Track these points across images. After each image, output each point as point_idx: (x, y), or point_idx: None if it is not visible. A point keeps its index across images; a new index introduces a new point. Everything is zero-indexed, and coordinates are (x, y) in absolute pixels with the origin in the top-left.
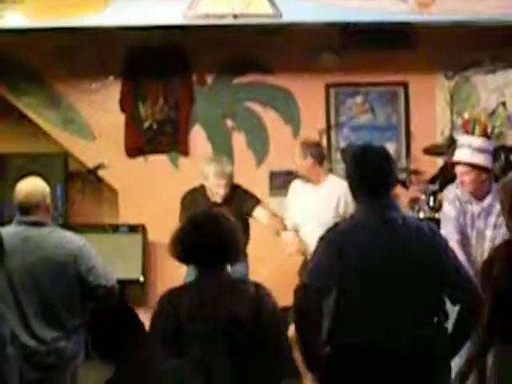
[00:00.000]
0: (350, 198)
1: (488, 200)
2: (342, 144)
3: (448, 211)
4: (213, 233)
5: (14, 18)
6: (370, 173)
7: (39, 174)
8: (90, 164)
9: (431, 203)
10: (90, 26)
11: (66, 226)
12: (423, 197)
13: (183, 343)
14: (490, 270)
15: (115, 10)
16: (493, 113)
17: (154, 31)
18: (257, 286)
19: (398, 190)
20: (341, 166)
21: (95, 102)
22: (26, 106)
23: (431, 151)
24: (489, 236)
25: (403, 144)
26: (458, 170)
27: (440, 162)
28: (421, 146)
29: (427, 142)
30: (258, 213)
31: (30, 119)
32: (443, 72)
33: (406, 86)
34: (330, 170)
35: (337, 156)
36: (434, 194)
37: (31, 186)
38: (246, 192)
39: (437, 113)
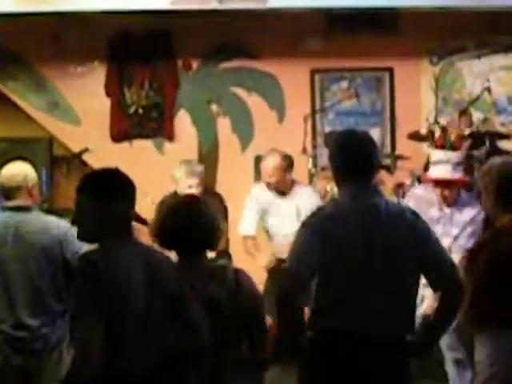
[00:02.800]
0: (314, 206)
1: (452, 209)
2: (327, 129)
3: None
4: (191, 218)
5: None
6: (354, 158)
7: (24, 159)
8: (75, 148)
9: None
10: (75, 10)
11: (51, 210)
12: (408, 182)
13: None
14: (477, 256)
15: None
16: (477, 98)
17: (140, 16)
18: (236, 271)
19: (383, 175)
20: (326, 152)
21: (80, 87)
22: (10, 90)
23: (415, 137)
24: (445, 244)
25: (388, 130)
26: (437, 185)
27: (425, 147)
28: (406, 131)
29: (412, 128)
30: None
31: (15, 103)
32: (428, 57)
33: (391, 71)
34: (314, 157)
35: (321, 141)
36: (419, 179)
37: (13, 170)
38: (222, 204)
39: (422, 98)
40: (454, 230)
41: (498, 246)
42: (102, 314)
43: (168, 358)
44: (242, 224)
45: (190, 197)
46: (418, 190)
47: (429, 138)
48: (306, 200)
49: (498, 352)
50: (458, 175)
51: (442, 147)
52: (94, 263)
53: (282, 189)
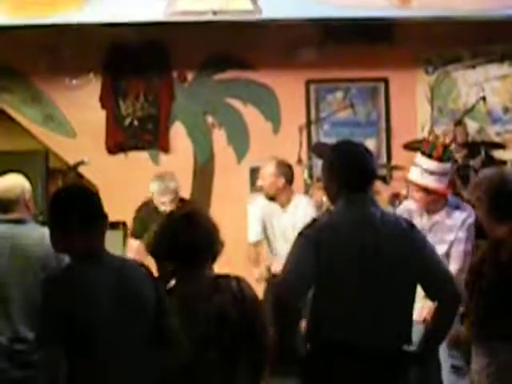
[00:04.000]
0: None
1: (441, 215)
2: (323, 140)
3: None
4: (189, 231)
5: None
6: (351, 168)
7: (19, 171)
8: (71, 161)
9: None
10: (70, 22)
11: (47, 223)
12: (403, 192)
13: None
14: (480, 269)
15: (95, 6)
16: (473, 108)
17: (135, 28)
18: (238, 279)
19: (379, 185)
20: (321, 162)
21: (76, 99)
22: (6, 102)
23: (411, 147)
24: (442, 251)
25: (383, 140)
26: (412, 187)
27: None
28: (401, 141)
29: (408, 138)
30: None
31: (10, 116)
32: (423, 67)
33: (386, 81)
34: (310, 168)
35: None
36: None
37: (10, 183)
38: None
39: (417, 108)
40: (448, 236)
41: (499, 258)
42: (65, 337)
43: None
44: (249, 231)
45: (188, 209)
46: (408, 203)
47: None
48: (302, 212)
49: (496, 364)
50: (425, 181)
51: (422, 153)
52: (56, 284)
53: (277, 198)
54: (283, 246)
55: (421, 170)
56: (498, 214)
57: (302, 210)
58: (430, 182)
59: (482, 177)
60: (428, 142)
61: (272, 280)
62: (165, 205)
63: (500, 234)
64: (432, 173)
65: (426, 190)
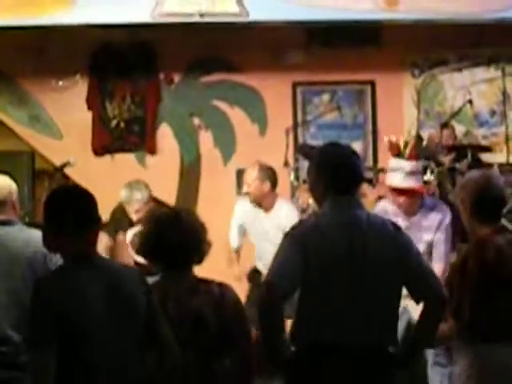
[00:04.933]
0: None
1: (418, 216)
2: (309, 142)
3: None
4: (176, 231)
5: None
6: (338, 170)
7: (5, 172)
8: (57, 162)
9: None
10: (56, 24)
11: (33, 224)
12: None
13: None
14: (463, 268)
15: (82, 8)
16: (459, 111)
17: (121, 29)
18: (221, 285)
19: (365, 188)
20: (308, 165)
21: (62, 100)
22: None
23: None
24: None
25: (370, 142)
26: (392, 192)
27: None
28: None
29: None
30: None
31: None
32: (410, 70)
33: (372, 84)
34: (297, 170)
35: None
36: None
37: None
38: None
39: (404, 111)
40: (425, 236)
41: (485, 258)
42: (54, 338)
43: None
44: (230, 237)
45: (175, 210)
46: (384, 203)
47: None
48: (284, 217)
49: (478, 365)
50: (409, 183)
51: (397, 155)
52: (47, 285)
53: (262, 202)
54: (268, 249)
55: (401, 174)
56: (481, 217)
57: (284, 212)
58: (412, 183)
59: (467, 179)
60: (396, 145)
61: (256, 278)
62: (132, 214)
63: (483, 235)
64: (412, 173)
65: (408, 192)
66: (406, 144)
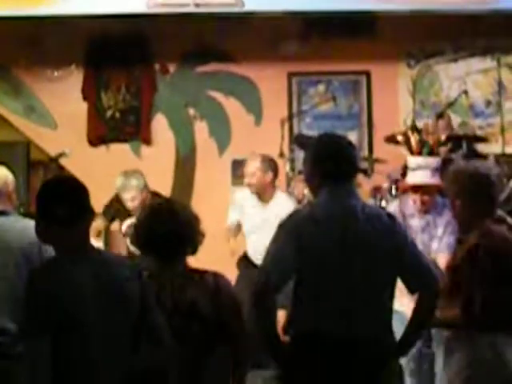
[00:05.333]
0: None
1: (432, 214)
2: (305, 133)
3: None
4: (169, 222)
5: None
6: (333, 160)
7: (1, 163)
8: (52, 152)
9: (393, 192)
10: (52, 14)
11: (28, 214)
12: (385, 185)
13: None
14: (473, 259)
15: None
16: (455, 101)
17: (117, 20)
18: (215, 275)
19: (360, 178)
20: (303, 155)
21: (57, 91)
22: None
23: (393, 140)
24: (435, 248)
25: (365, 133)
26: (415, 191)
27: (402, 150)
28: (383, 134)
29: (390, 131)
30: None
31: None
32: (405, 61)
33: (368, 74)
34: (292, 161)
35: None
36: (397, 182)
37: None
38: None
39: (399, 102)
40: (437, 232)
41: (497, 247)
42: (48, 329)
43: (132, 376)
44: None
45: (168, 201)
46: (398, 205)
47: (405, 143)
48: (283, 209)
49: (487, 354)
50: (436, 180)
51: (420, 153)
52: (41, 276)
53: (263, 193)
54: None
55: (426, 171)
56: (481, 208)
57: (283, 204)
58: (437, 179)
59: (457, 171)
60: (416, 142)
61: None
62: (128, 201)
63: (488, 226)
64: (436, 169)
65: (433, 188)
66: (421, 139)
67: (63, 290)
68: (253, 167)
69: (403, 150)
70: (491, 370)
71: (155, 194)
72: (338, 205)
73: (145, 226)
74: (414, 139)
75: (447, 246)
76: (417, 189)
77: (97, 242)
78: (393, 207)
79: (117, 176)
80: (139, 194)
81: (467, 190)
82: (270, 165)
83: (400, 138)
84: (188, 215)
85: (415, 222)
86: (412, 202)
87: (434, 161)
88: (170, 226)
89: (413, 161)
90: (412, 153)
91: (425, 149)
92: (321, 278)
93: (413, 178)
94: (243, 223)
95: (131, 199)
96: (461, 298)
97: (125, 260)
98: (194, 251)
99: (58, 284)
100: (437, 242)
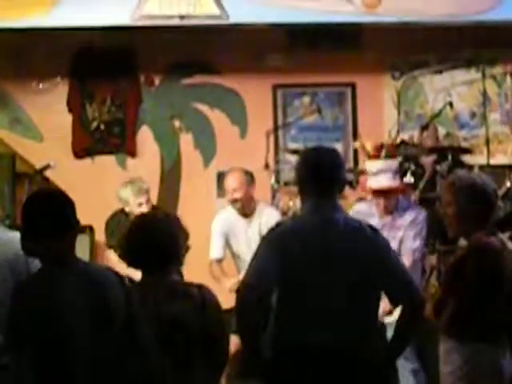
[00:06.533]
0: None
1: (393, 215)
2: (290, 145)
3: None
4: (154, 234)
5: None
6: (319, 174)
7: None
8: (38, 165)
9: None
10: (37, 26)
11: (14, 226)
12: (369, 197)
13: None
14: (462, 271)
15: (62, 10)
16: (439, 113)
17: (102, 32)
18: (200, 287)
19: (346, 190)
20: (288, 167)
21: (43, 103)
22: None
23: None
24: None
25: (350, 144)
26: (373, 194)
27: None
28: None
29: (375, 143)
30: None
31: None
32: (390, 72)
33: (353, 86)
34: (277, 173)
35: (284, 157)
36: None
37: None
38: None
39: (384, 113)
40: (398, 234)
41: (485, 263)
42: (33, 341)
43: None
44: (211, 248)
45: (153, 213)
46: (359, 206)
47: (362, 149)
48: (265, 221)
49: (471, 365)
50: (397, 182)
51: (378, 156)
52: (26, 289)
53: (247, 208)
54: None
55: (388, 174)
56: (475, 220)
57: (266, 217)
58: (390, 182)
59: (455, 181)
60: (373, 148)
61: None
62: (141, 206)
63: (480, 238)
64: (396, 172)
65: (388, 192)
66: (382, 146)
67: (47, 303)
68: (237, 182)
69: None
70: (485, 372)
71: (153, 207)
72: (320, 218)
73: (133, 239)
74: (369, 144)
75: (411, 250)
76: (379, 193)
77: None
78: (355, 208)
79: (102, 188)
80: (149, 198)
81: (460, 201)
82: (252, 177)
83: (357, 144)
84: (174, 228)
85: (374, 222)
86: (375, 205)
87: (393, 163)
88: (158, 239)
89: (373, 165)
90: (369, 157)
91: (383, 152)
92: (303, 291)
93: (376, 183)
94: (232, 244)
95: (146, 203)
96: (447, 309)
97: (109, 271)
98: (179, 264)
99: (41, 298)
100: (396, 244)
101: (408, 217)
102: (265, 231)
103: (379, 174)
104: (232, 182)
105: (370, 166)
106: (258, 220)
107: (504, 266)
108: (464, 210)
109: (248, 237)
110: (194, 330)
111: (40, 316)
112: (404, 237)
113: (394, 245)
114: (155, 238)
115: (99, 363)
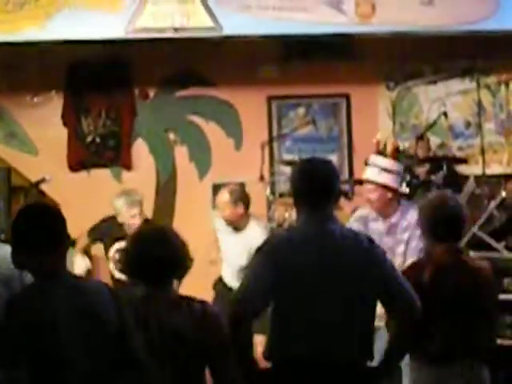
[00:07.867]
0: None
1: (396, 217)
2: (285, 156)
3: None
4: (159, 247)
5: None
6: (314, 185)
7: None
8: (33, 178)
9: None
10: (31, 40)
11: (9, 241)
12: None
13: None
14: (419, 277)
15: (56, 24)
16: (434, 123)
17: (96, 45)
18: (203, 303)
19: (341, 201)
20: (283, 179)
21: (38, 117)
22: None
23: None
24: (400, 252)
25: (345, 155)
26: (366, 187)
27: None
28: (363, 157)
29: (370, 154)
30: None
31: None
32: (385, 83)
33: (347, 97)
34: (272, 184)
35: (279, 168)
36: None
37: None
38: None
39: (379, 124)
40: (404, 235)
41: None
42: (25, 358)
43: None
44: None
45: (158, 226)
46: (362, 211)
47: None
48: (252, 238)
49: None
50: (382, 179)
51: (377, 153)
52: (16, 307)
53: (236, 224)
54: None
55: (378, 169)
56: (435, 236)
57: (254, 233)
58: (387, 180)
59: (422, 203)
60: (379, 142)
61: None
62: (134, 218)
63: (440, 255)
64: (386, 170)
65: (381, 187)
66: (398, 149)
67: (39, 316)
68: (222, 201)
69: None
70: None
71: (146, 220)
72: (315, 229)
73: (135, 252)
74: (390, 143)
75: (415, 250)
76: (366, 185)
77: (82, 259)
78: (357, 213)
79: (97, 202)
80: (143, 210)
81: (421, 221)
82: (240, 195)
83: (378, 136)
84: (178, 241)
85: (379, 226)
86: (367, 202)
87: (383, 161)
88: (161, 252)
89: (370, 158)
90: (379, 153)
91: (381, 151)
92: (298, 303)
93: (364, 174)
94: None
95: (139, 214)
96: None
97: (100, 285)
98: (182, 277)
99: (33, 313)
100: (403, 246)
101: (412, 217)
102: (250, 248)
103: (368, 167)
104: (218, 200)
105: (376, 158)
106: (247, 235)
107: (444, 285)
108: (426, 227)
109: (233, 249)
110: (194, 343)
111: (32, 329)
112: (410, 237)
113: (400, 248)
114: (162, 252)
115: (93, 376)
